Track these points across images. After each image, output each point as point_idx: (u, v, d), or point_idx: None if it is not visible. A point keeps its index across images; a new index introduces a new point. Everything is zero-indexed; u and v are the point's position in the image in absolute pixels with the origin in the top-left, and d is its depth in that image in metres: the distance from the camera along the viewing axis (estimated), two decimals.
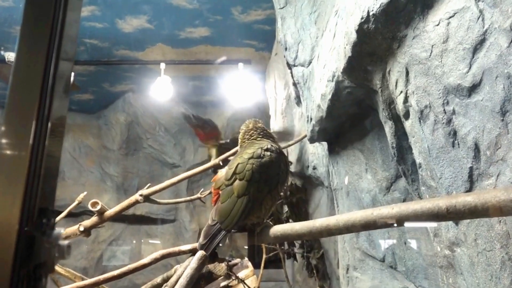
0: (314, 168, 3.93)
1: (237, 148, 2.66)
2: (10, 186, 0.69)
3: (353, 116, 2.75)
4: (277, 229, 1.72)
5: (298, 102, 4.18)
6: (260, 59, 6.29)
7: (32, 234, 0.66)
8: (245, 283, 3.63)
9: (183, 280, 1.44)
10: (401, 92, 1.95)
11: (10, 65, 5.79)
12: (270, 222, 1.84)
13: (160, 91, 6.10)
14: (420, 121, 1.81)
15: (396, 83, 1.98)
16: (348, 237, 2.86)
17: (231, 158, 3.27)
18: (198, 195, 3.40)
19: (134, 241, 7.20)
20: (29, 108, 0.75)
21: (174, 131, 7.51)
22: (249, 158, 1.75)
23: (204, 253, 1.54)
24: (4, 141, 0.73)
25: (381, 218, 1.39)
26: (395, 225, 1.44)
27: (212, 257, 1.58)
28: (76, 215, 4.88)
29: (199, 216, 7.40)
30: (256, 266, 4.13)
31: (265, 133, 1.98)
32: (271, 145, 1.88)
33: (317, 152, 3.86)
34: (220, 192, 1.73)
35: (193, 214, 7.40)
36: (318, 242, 4.10)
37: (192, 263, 1.50)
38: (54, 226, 0.72)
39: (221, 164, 3.34)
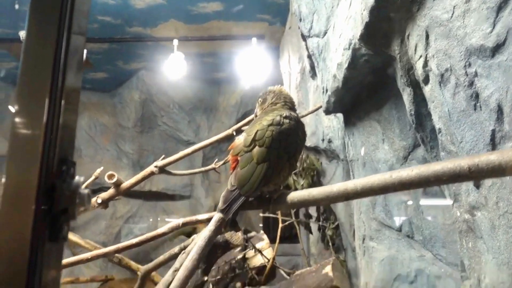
0: (330, 141, 3.90)
1: (251, 117, 2.65)
2: (30, 138, 0.69)
3: (370, 86, 2.70)
4: (294, 195, 1.72)
5: (313, 75, 4.13)
6: (274, 33, 6.20)
7: (53, 182, 0.66)
8: (262, 253, 3.67)
9: (201, 242, 1.45)
10: (421, 56, 1.90)
11: None
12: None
13: (174, 68, 6.08)
14: (440, 85, 1.76)
15: (416, 47, 1.93)
16: (365, 207, 2.85)
17: (244, 128, 3.26)
18: (213, 165, 3.42)
19: (151, 217, 7.31)
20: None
21: (188, 108, 7.51)
22: (269, 125, 1.75)
23: (221, 215, 1.55)
24: (21, 95, 0.73)
25: (400, 181, 1.37)
26: (415, 187, 1.43)
27: (232, 224, 1.59)
28: (93, 191, 4.95)
29: (215, 192, 7.45)
30: (271, 241, 4.18)
31: (288, 101, 1.96)
32: (290, 113, 1.87)
33: (332, 125, 3.82)
34: (238, 158, 1.73)
35: (208, 190, 7.47)
36: (334, 214, 4.10)
37: (209, 225, 1.51)
38: (74, 175, 0.72)
39: (234, 134, 3.32)
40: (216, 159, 3.60)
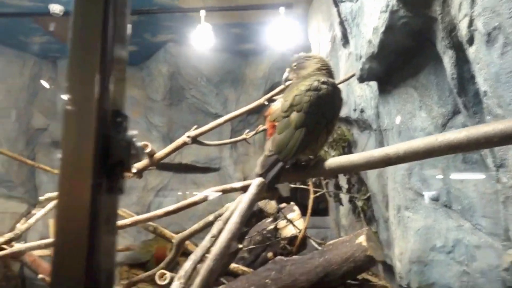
0: (362, 111, 3.82)
1: (284, 86, 2.60)
2: (85, 90, 0.68)
3: (407, 50, 2.60)
4: (332, 162, 1.69)
5: (345, 42, 4.02)
6: (302, 2, 6.04)
7: (108, 134, 0.66)
8: (293, 223, 3.69)
9: (242, 205, 1.46)
10: (466, 15, 1.80)
11: (54, 16, 5.87)
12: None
13: (201, 39, 6.02)
14: (487, 45, 1.68)
15: (460, 6, 1.83)
16: (400, 177, 2.80)
17: (276, 97, 3.21)
18: (244, 136, 3.42)
19: (181, 189, 7.44)
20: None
21: (216, 81, 7.48)
22: (307, 90, 1.71)
23: (263, 179, 1.55)
24: (75, 53, 0.72)
25: (447, 144, 1.32)
26: (463, 150, 1.37)
27: (272, 190, 1.59)
28: None
29: (243, 164, 7.49)
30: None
31: (325, 67, 1.92)
32: (327, 79, 1.83)
33: (364, 94, 3.73)
34: (276, 124, 1.71)
35: (237, 163, 7.51)
36: (365, 185, 4.06)
37: (251, 188, 1.51)
38: (127, 128, 0.71)
39: (266, 103, 3.28)
40: (248, 130, 3.59)
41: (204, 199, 2.06)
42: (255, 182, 1.55)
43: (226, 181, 7.19)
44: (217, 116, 7.29)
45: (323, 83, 1.77)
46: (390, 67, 2.76)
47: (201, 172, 7.50)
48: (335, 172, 1.79)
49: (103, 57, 0.70)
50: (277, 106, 1.76)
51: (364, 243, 2.80)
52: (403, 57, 2.67)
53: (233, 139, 3.78)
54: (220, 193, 2.13)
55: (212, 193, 2.28)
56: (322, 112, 1.71)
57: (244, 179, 7.30)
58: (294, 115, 1.67)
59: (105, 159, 0.64)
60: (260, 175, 1.58)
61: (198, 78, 7.40)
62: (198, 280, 1.32)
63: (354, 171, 3.67)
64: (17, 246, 2.19)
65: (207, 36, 5.99)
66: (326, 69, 1.97)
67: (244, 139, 3.45)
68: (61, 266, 0.58)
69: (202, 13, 5.89)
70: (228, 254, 2.39)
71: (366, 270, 3.18)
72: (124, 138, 0.66)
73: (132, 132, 0.68)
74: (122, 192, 0.68)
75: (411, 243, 2.63)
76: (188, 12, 6.24)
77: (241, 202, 1.49)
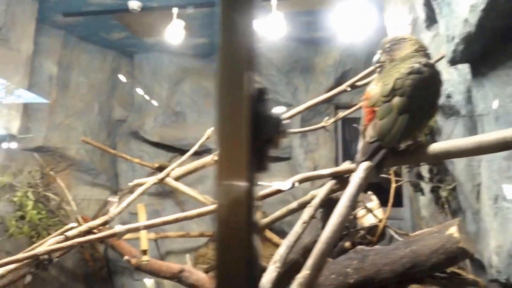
0: (449, 96, 3.60)
1: (374, 67, 2.50)
2: (236, 72, 0.69)
3: (509, 29, 2.40)
4: (436, 147, 1.61)
5: (429, 24, 3.80)
6: None
7: (257, 111, 0.65)
8: (373, 213, 3.59)
9: (351, 189, 1.43)
10: None
11: (133, 13, 6.13)
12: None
13: (272, 28, 6.00)
14: None
15: None
16: (497, 165, 2.61)
17: (358, 83, 3.11)
18: (323, 123, 3.37)
19: None
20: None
21: (286, 70, 7.44)
22: (409, 73, 1.63)
23: (370, 163, 1.51)
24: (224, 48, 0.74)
25: None
26: None
27: (377, 175, 1.54)
28: (198, 153, 5.15)
29: (313, 153, 7.42)
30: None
31: (423, 49, 1.82)
32: (427, 61, 1.73)
33: (452, 78, 3.51)
34: (375, 109, 1.64)
35: (307, 152, 7.45)
36: (451, 174, 3.84)
37: (359, 172, 1.48)
38: (269, 106, 0.70)
39: (348, 89, 3.18)
40: (327, 117, 3.54)
41: (278, 191, 2.06)
42: (362, 167, 1.50)
43: (297, 170, 7.16)
44: (287, 105, 7.26)
45: (425, 65, 1.67)
46: (487, 47, 2.57)
47: (271, 161, 7.53)
48: (438, 157, 1.70)
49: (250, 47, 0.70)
50: (375, 90, 1.69)
51: (456, 235, 2.64)
52: (503, 36, 2.47)
53: (312, 127, 3.74)
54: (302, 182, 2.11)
55: (291, 182, 2.27)
56: (425, 96, 1.62)
57: (314, 168, 7.23)
58: (396, 100, 1.59)
59: (256, 137, 0.64)
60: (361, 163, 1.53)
61: (269, 67, 7.41)
62: (310, 261, 1.31)
63: (462, 157, 3.47)
64: (117, 228, 2.35)
65: (279, 25, 5.96)
66: (423, 51, 1.87)
67: (323, 127, 3.39)
68: (226, 247, 0.59)
69: (274, 1, 5.86)
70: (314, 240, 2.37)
71: (458, 263, 3.01)
72: (274, 116, 0.65)
73: (280, 108, 0.67)
74: (267, 170, 0.67)
75: (511, 235, 2.44)
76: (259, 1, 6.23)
77: (349, 186, 1.46)
